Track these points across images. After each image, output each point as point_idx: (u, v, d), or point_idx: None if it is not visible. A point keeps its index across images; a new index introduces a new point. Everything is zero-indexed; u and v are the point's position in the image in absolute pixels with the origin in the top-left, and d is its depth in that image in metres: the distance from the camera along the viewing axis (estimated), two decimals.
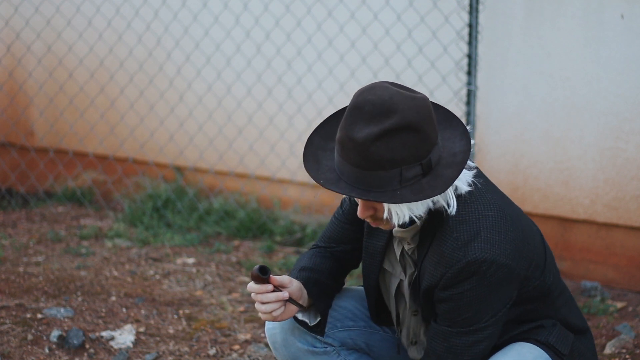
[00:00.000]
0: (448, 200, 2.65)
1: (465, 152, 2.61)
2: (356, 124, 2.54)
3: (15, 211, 6.27)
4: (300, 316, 2.89)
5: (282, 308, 2.77)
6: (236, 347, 4.27)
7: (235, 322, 4.50)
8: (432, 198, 2.60)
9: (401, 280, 2.86)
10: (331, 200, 5.67)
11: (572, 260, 4.95)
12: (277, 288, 2.76)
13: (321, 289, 2.90)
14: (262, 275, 2.69)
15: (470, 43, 4.94)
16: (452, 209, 2.64)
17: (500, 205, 2.70)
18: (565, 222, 4.95)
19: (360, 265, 3.00)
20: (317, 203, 5.75)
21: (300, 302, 2.82)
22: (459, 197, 2.67)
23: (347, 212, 2.99)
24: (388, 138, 2.53)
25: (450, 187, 2.61)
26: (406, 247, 2.78)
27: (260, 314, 2.76)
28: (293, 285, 2.81)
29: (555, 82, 4.93)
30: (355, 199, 2.71)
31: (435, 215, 2.69)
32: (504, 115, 5.07)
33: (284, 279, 2.79)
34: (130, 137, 6.26)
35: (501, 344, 2.81)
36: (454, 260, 2.63)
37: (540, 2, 4.93)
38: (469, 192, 2.68)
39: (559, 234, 5.02)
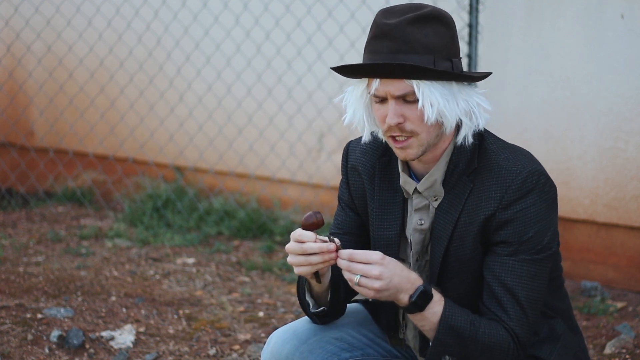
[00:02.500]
0: (476, 124, 2.66)
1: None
2: (389, 17, 2.59)
3: (15, 211, 6.27)
4: (307, 297, 2.85)
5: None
6: (236, 347, 4.27)
7: (235, 322, 4.50)
8: (462, 102, 2.62)
9: (416, 263, 2.80)
10: (331, 200, 5.67)
11: (572, 260, 4.95)
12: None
13: (339, 282, 2.80)
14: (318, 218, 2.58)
15: (470, 43, 4.94)
16: (479, 126, 2.66)
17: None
18: (565, 222, 4.95)
19: None
20: (317, 203, 5.75)
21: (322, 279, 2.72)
22: (479, 138, 2.70)
23: (342, 223, 2.90)
24: (421, 24, 2.57)
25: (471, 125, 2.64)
26: (434, 203, 2.72)
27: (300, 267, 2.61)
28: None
29: (555, 82, 4.93)
30: (387, 93, 2.61)
31: (463, 152, 2.68)
32: (504, 115, 5.07)
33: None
34: (130, 137, 6.26)
35: None
36: (515, 172, 2.64)
37: (540, 2, 4.93)
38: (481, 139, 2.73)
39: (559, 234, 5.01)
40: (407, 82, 2.58)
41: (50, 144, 6.56)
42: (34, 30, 6.40)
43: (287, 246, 2.62)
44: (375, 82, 2.61)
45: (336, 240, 2.60)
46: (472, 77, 2.64)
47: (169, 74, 6.07)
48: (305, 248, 2.58)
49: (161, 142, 6.17)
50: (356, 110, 2.70)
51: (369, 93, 2.64)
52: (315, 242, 2.58)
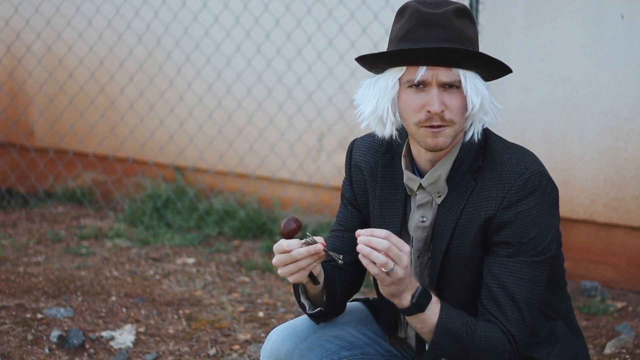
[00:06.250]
0: (490, 122, 2.73)
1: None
2: (430, 8, 2.61)
3: (15, 211, 6.27)
4: (302, 299, 2.85)
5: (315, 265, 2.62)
6: (236, 347, 4.27)
7: (235, 322, 4.50)
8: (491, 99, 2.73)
9: (417, 259, 2.81)
10: (331, 200, 5.67)
11: (572, 260, 4.95)
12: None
13: (334, 282, 2.81)
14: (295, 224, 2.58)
15: None
16: (494, 124, 2.73)
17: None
18: (565, 222, 4.95)
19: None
20: (317, 203, 5.75)
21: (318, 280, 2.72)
22: (483, 136, 2.74)
23: (344, 220, 2.92)
24: (461, 17, 2.62)
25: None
26: (437, 200, 2.73)
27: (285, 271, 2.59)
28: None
29: (555, 82, 4.94)
30: (434, 80, 2.62)
31: (469, 150, 2.72)
32: (504, 115, 5.03)
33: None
34: (130, 137, 6.26)
35: None
36: (518, 173, 2.66)
37: (540, 2, 4.93)
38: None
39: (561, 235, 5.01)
40: (454, 71, 2.61)
41: (50, 144, 6.56)
42: (34, 30, 6.40)
43: (274, 260, 2.59)
44: (422, 69, 2.61)
45: (316, 238, 2.57)
46: (507, 67, 2.72)
47: (169, 74, 6.08)
48: (295, 255, 2.56)
49: (161, 142, 6.17)
50: (380, 102, 2.67)
51: (406, 81, 2.63)
52: (301, 247, 2.56)
